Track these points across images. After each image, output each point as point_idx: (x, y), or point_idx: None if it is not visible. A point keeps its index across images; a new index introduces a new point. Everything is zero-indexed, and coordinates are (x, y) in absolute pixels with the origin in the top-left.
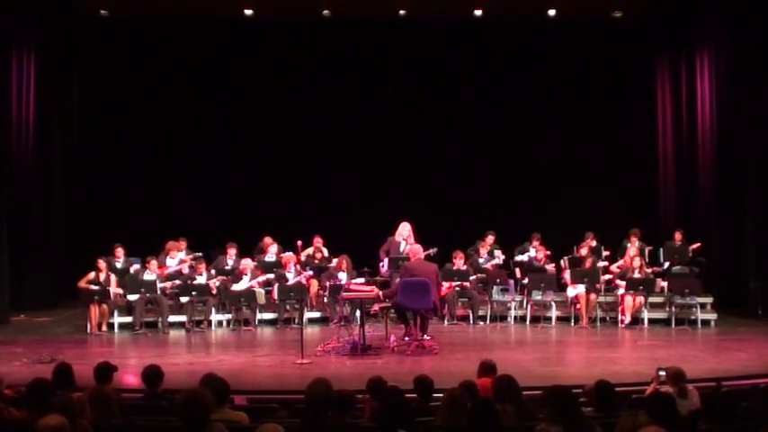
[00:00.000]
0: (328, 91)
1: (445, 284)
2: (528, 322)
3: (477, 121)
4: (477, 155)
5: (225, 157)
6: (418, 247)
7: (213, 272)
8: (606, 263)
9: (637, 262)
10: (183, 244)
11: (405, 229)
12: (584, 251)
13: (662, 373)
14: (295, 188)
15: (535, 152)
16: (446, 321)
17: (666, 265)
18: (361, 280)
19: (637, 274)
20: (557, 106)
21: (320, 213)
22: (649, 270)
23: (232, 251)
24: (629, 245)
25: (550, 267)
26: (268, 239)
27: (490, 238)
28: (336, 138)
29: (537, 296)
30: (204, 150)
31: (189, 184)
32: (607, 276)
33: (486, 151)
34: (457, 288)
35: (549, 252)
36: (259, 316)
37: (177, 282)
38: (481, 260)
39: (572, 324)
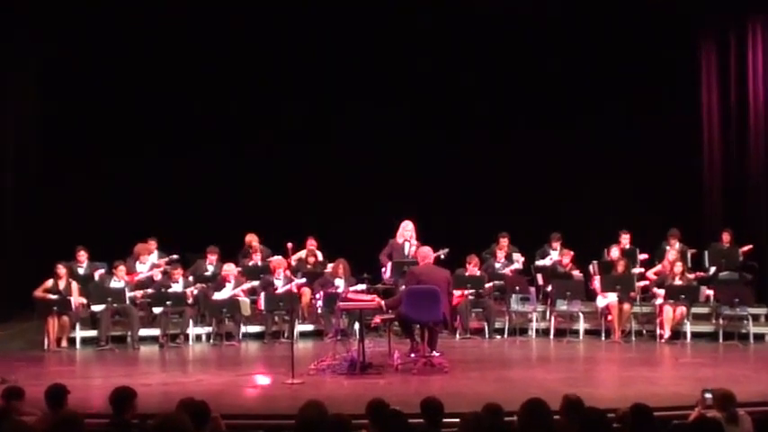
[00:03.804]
0: (323, 77)
1: (457, 293)
2: (552, 336)
3: (489, 110)
4: (490, 146)
5: (204, 148)
6: (428, 249)
7: (191, 278)
8: (642, 268)
9: (678, 267)
10: (153, 245)
11: (407, 229)
12: (615, 254)
13: (708, 395)
14: (285, 183)
15: (557, 141)
16: (458, 335)
17: (712, 270)
18: (361, 288)
19: (677, 281)
20: (581, 89)
21: (313, 211)
22: (692, 276)
23: (213, 256)
24: (668, 247)
25: (577, 273)
26: (250, 237)
27: (504, 242)
28: (332, 128)
29: (562, 306)
30: (180, 140)
31: (162, 178)
32: (643, 283)
33: (500, 142)
34: (470, 297)
35: (573, 253)
36: (244, 329)
37: (149, 290)
38: (498, 265)
39: (602, 338)
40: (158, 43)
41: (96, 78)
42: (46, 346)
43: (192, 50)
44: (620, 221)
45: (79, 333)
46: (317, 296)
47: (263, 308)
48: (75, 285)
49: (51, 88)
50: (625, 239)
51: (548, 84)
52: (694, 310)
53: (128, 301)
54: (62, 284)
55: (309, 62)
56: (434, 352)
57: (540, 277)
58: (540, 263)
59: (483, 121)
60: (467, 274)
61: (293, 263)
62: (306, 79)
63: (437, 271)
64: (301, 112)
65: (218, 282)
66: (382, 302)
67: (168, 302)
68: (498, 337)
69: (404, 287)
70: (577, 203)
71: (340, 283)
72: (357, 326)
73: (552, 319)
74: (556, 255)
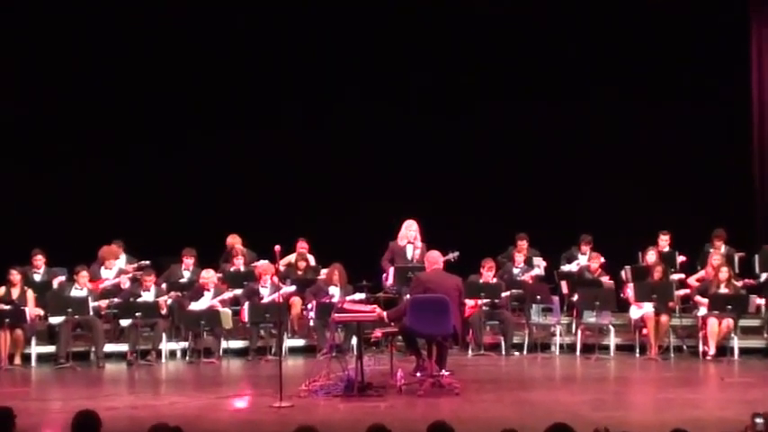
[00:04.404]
0: (316, 66)
1: (469, 303)
2: (578, 352)
3: (504, 94)
4: (505, 135)
5: (177, 139)
6: (437, 253)
7: (164, 286)
8: (682, 274)
9: (723, 273)
10: (120, 249)
11: (410, 230)
12: (651, 258)
13: (759, 420)
14: (272, 178)
15: (584, 129)
16: (470, 351)
17: (764, 276)
18: (359, 297)
19: (723, 289)
20: (613, 71)
21: (305, 210)
22: (740, 284)
23: (189, 260)
24: (712, 250)
25: (607, 280)
26: (232, 239)
27: (523, 244)
28: (326, 117)
29: (590, 318)
30: (150, 130)
31: (131, 173)
32: (683, 292)
33: (517, 130)
34: (484, 308)
35: (603, 258)
36: (224, 344)
37: (116, 299)
38: (516, 270)
39: (637, 355)
40: (128, 36)
41: (54, 71)
42: None
43: (170, 41)
44: (658, 220)
45: (35, 348)
46: (309, 306)
47: (246, 320)
48: (30, 294)
49: (4, 83)
50: (664, 241)
51: (572, 66)
52: (743, 322)
53: (91, 313)
54: (15, 293)
55: (300, 50)
56: (443, 371)
57: (564, 285)
58: (564, 268)
59: (497, 106)
60: (480, 281)
61: (281, 268)
62: (297, 66)
63: (446, 278)
64: (291, 99)
65: (195, 290)
66: (383, 314)
67: (138, 314)
68: (517, 353)
69: (408, 296)
70: (608, 200)
71: (335, 291)
72: (354, 340)
73: (579, 332)
74: (584, 259)
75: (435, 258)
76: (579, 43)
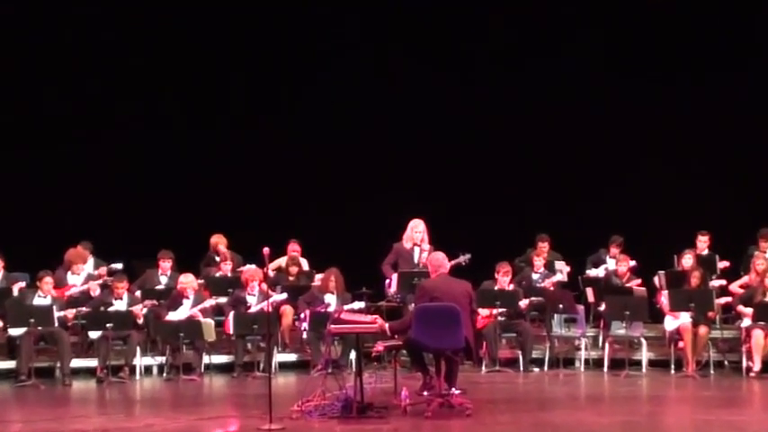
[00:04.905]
0: (310, 42)
1: (483, 312)
2: (606, 368)
3: (519, 78)
4: (522, 124)
5: (152, 126)
6: (441, 255)
7: (138, 293)
8: (723, 280)
9: None
10: (88, 251)
11: (416, 231)
12: (688, 262)
13: None
14: (260, 173)
15: (611, 117)
16: (484, 367)
17: None
18: (359, 306)
19: None
20: (638, 58)
21: (297, 208)
22: None
23: (166, 264)
24: (757, 253)
25: (639, 287)
26: (216, 239)
27: (543, 246)
28: (320, 103)
29: (619, 330)
30: (119, 118)
31: (99, 166)
32: (725, 300)
33: (535, 118)
34: (500, 318)
35: (634, 264)
36: (206, 359)
37: (84, 308)
38: (535, 276)
39: (672, 371)
40: (106, 31)
41: (41, 68)
42: None
43: (161, 38)
44: (696, 220)
45: None
46: (302, 317)
47: (231, 332)
48: None
49: None
50: (702, 243)
51: (596, 44)
52: None
53: (56, 323)
54: None
55: (297, 48)
56: (453, 389)
57: (590, 292)
58: (591, 273)
59: (512, 90)
60: (495, 287)
61: (271, 273)
62: (294, 62)
63: (454, 283)
64: (281, 83)
65: (172, 297)
66: (386, 325)
67: (109, 324)
68: (536, 369)
69: (414, 305)
70: (640, 197)
71: (331, 299)
72: (353, 355)
73: (606, 346)
74: (614, 264)
75: (440, 261)
76: (610, 33)
